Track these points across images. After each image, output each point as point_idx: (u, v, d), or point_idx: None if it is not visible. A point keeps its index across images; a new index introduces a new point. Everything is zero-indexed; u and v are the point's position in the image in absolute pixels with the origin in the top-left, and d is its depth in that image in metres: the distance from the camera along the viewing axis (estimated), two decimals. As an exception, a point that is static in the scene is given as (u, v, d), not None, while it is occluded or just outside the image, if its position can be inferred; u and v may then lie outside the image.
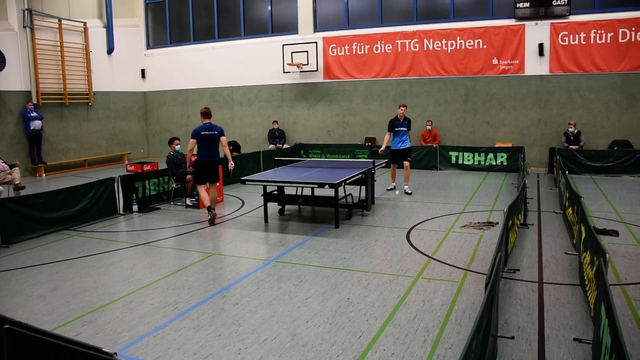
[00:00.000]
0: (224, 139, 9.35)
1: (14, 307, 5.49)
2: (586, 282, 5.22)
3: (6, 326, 2.95)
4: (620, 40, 14.09)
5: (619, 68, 14.22)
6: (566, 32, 14.61)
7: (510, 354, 4.24)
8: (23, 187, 10.60)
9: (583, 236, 5.94)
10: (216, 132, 9.27)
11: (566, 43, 14.66)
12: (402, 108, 11.63)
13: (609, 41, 14.21)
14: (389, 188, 12.15)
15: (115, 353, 2.70)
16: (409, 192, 11.55)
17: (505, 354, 4.22)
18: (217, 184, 10.05)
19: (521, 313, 5.04)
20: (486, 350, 3.51)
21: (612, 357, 3.04)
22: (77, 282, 6.29)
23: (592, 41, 14.37)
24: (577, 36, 14.50)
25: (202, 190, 9.38)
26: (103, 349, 2.72)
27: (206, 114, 9.34)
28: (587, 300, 5.04)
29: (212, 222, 9.14)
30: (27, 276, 6.54)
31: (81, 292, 5.94)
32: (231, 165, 9.52)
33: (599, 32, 14.27)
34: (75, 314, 5.27)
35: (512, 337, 4.49)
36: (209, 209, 9.21)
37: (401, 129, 11.54)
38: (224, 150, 9.46)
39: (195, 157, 9.35)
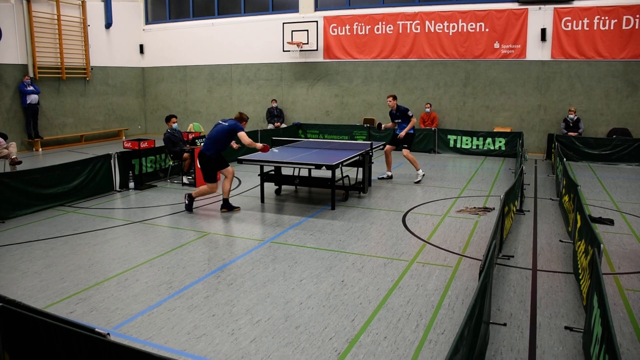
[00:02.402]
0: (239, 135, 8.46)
1: (9, 283, 5.50)
2: (580, 271, 5.24)
3: (0, 304, 2.95)
4: (623, 27, 13.95)
5: (621, 55, 14.12)
6: (569, 18, 14.46)
7: (502, 340, 4.27)
8: (19, 162, 10.57)
9: (578, 225, 5.95)
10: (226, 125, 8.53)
11: (569, 29, 14.52)
12: (388, 99, 10.97)
13: (612, 28, 14.08)
14: (380, 177, 11.39)
15: (109, 333, 2.70)
16: (417, 180, 10.91)
17: (497, 341, 4.26)
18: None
19: (514, 300, 5.07)
20: (478, 336, 3.53)
21: (602, 347, 3.06)
22: (72, 259, 6.30)
23: (595, 27, 14.23)
24: (580, 22, 14.36)
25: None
26: (96, 329, 2.73)
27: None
28: (580, 289, 5.07)
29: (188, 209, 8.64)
30: (22, 252, 6.54)
31: (76, 269, 5.95)
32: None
33: (602, 18, 14.13)
34: (70, 291, 5.28)
35: (504, 324, 4.53)
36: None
37: (397, 121, 11.07)
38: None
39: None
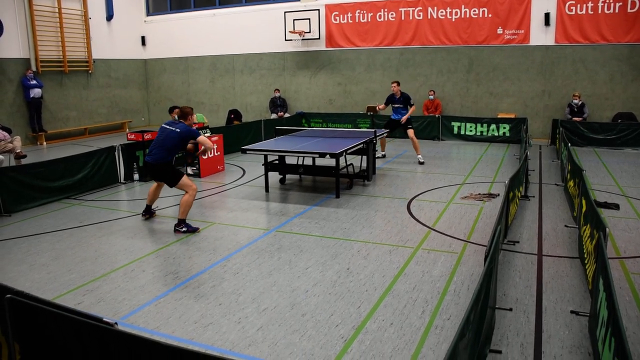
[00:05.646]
0: (201, 140, 7.13)
1: (17, 276, 5.54)
2: (585, 256, 5.24)
3: (8, 296, 2.97)
4: (628, 10, 13.78)
5: (626, 39, 13.98)
6: (573, 2, 14.30)
7: (508, 325, 4.28)
8: (24, 156, 10.60)
9: (584, 209, 5.94)
10: (178, 131, 7.07)
11: (573, 13, 14.38)
12: (392, 85, 11.68)
13: (617, 11, 13.92)
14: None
15: (116, 323, 2.72)
16: (421, 161, 11.60)
17: (503, 326, 4.27)
18: (182, 186, 7.15)
19: (520, 285, 5.08)
20: (484, 321, 3.54)
21: (608, 330, 3.06)
22: (78, 251, 6.34)
23: (599, 11, 14.08)
24: (584, 5, 14.21)
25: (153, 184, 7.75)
26: (104, 319, 2.75)
27: (179, 115, 7.43)
28: (586, 274, 5.07)
29: (144, 216, 7.75)
30: (29, 245, 6.58)
31: (83, 261, 5.98)
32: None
33: (607, 1, 13.96)
34: (77, 283, 5.32)
35: (510, 309, 4.54)
36: (146, 207, 7.73)
37: (397, 105, 11.69)
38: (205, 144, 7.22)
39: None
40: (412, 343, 4.05)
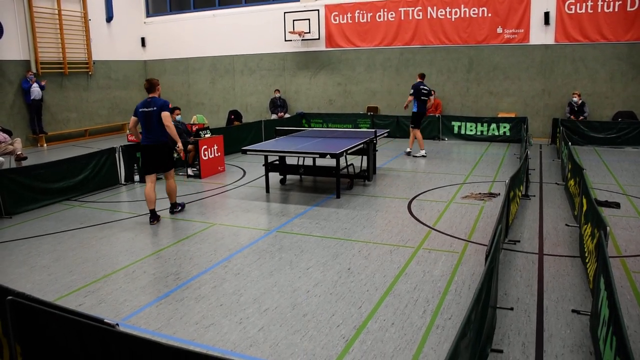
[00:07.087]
0: (165, 115, 7.28)
1: (18, 278, 5.54)
2: (586, 255, 5.23)
3: (9, 297, 2.97)
4: (628, 9, 13.77)
5: (626, 37, 13.97)
6: (573, 1, 14.29)
7: (509, 324, 4.28)
8: (25, 158, 10.61)
9: (584, 208, 5.94)
10: (155, 109, 7.31)
11: (572, 12, 14.37)
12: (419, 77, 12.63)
13: (616, 10, 13.91)
14: (416, 154, 12.46)
15: (117, 324, 2.72)
16: (408, 151, 12.25)
17: (504, 325, 4.27)
18: (170, 173, 7.77)
19: (521, 284, 5.08)
20: (485, 321, 3.54)
21: (610, 329, 3.06)
22: (79, 252, 6.34)
23: (599, 9, 14.07)
24: (584, 4, 14.20)
25: (146, 184, 7.63)
26: (105, 320, 2.75)
27: (147, 87, 7.51)
28: (587, 273, 5.07)
29: (152, 222, 7.55)
30: (30, 246, 6.59)
31: (84, 262, 5.99)
32: (179, 149, 7.60)
33: (606, 0, 13.96)
34: (78, 284, 5.32)
35: (512, 308, 4.53)
36: (152, 212, 7.57)
37: (424, 98, 12.38)
38: (168, 130, 7.35)
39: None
40: (414, 343, 4.05)
